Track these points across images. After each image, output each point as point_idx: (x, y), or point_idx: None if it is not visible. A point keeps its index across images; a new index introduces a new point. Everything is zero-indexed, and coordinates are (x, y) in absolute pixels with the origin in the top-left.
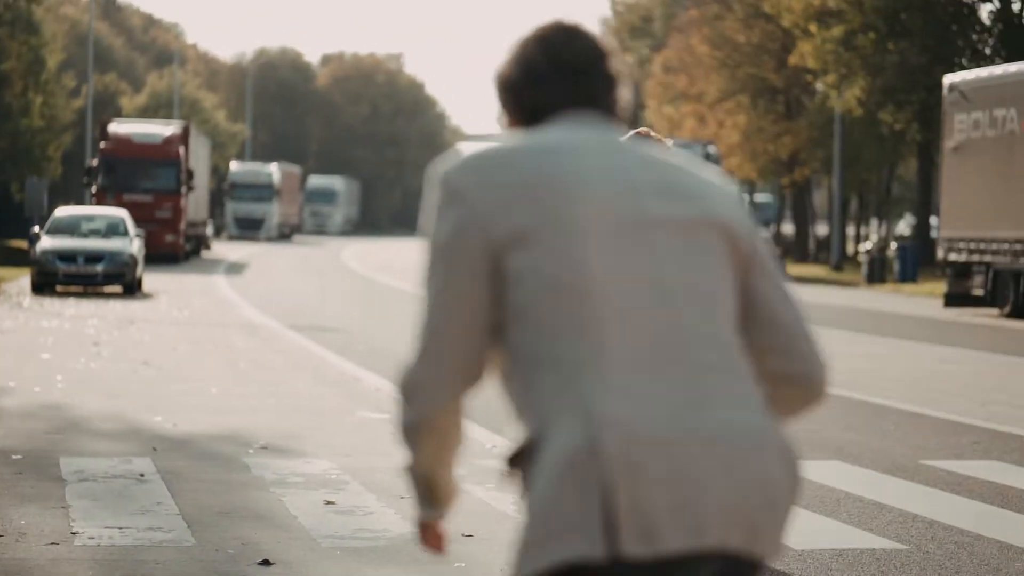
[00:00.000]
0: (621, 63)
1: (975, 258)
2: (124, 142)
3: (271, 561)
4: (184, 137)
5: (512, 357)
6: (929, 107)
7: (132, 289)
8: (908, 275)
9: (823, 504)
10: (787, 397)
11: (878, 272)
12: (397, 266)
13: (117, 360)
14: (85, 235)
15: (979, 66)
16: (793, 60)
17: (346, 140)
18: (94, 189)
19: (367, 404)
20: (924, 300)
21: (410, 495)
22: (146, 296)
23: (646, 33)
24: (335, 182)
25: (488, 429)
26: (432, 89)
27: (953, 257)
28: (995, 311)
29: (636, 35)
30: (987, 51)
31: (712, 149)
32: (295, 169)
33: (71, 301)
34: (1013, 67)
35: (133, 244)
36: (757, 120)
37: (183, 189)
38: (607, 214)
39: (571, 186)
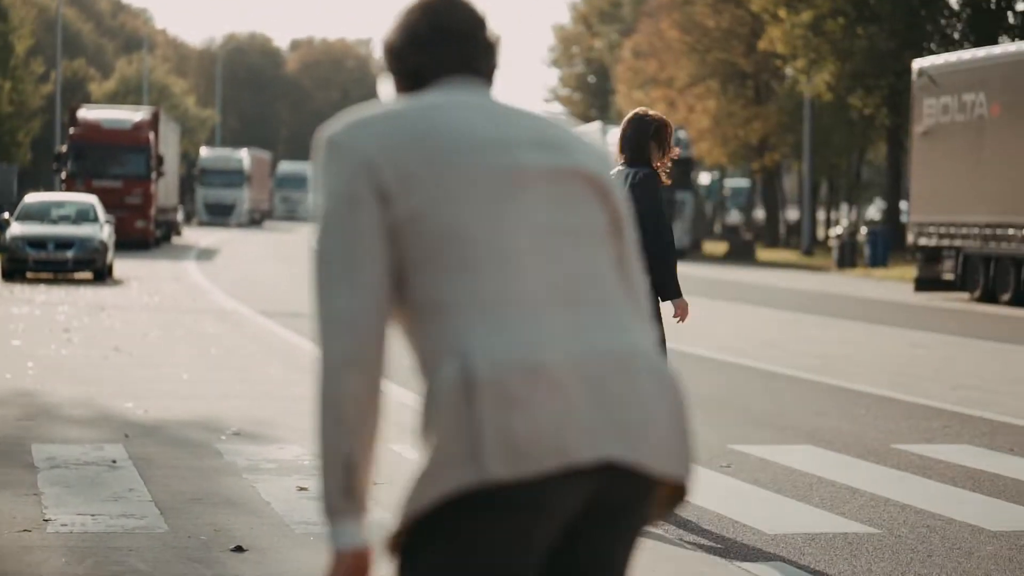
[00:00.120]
0: (497, 30)
1: (945, 243)
2: (93, 128)
3: (244, 547)
4: (154, 123)
5: (408, 309)
6: (898, 92)
7: (103, 275)
8: (879, 260)
9: (795, 488)
10: None
11: (849, 257)
12: None
13: (88, 347)
14: (55, 221)
15: (948, 51)
16: (762, 45)
17: (316, 126)
18: (63, 175)
19: None
20: (895, 285)
21: (322, 494)
22: (117, 282)
23: (615, 18)
24: (305, 168)
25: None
26: None
27: (923, 242)
28: (965, 295)
29: (606, 20)
30: (956, 36)
31: (683, 134)
32: (265, 155)
33: (41, 288)
34: (982, 52)
35: (103, 230)
36: (727, 105)
37: (153, 175)
38: (487, 163)
39: (453, 138)
